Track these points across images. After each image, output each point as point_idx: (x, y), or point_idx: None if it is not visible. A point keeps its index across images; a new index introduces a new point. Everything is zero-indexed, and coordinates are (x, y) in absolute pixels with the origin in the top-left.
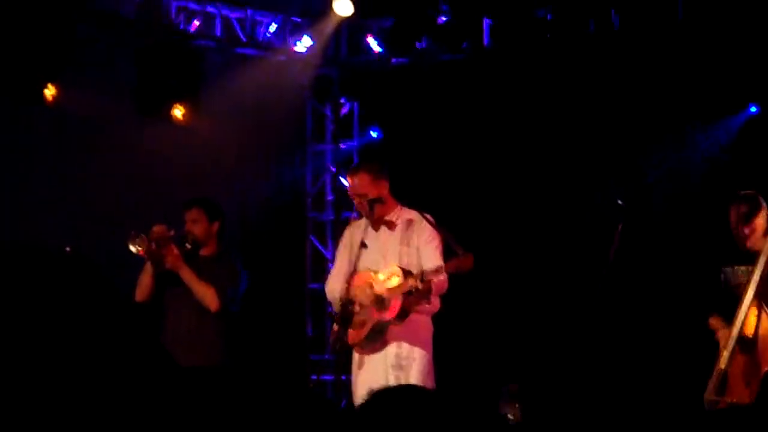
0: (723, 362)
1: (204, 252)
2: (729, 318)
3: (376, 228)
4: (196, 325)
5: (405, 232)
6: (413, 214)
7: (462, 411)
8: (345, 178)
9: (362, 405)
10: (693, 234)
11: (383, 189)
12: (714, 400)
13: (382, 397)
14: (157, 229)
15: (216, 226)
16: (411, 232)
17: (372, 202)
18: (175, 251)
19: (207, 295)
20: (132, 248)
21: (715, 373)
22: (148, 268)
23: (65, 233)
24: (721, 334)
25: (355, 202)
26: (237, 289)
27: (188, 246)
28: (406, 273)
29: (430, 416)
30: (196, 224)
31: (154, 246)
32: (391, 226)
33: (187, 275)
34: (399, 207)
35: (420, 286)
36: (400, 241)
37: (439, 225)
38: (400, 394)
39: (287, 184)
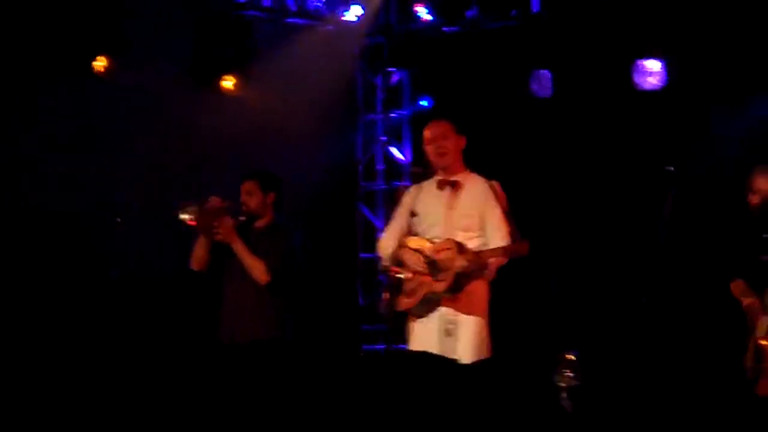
0: (760, 332)
1: (259, 224)
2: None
3: (441, 188)
4: (253, 299)
5: (470, 195)
6: (480, 180)
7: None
8: (396, 148)
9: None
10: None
11: (459, 145)
12: (755, 367)
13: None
14: (212, 200)
15: (271, 197)
16: (476, 197)
17: (450, 152)
18: (228, 223)
19: (257, 269)
20: (182, 217)
21: (751, 342)
22: (202, 239)
23: (117, 205)
24: (748, 303)
25: (428, 150)
26: (290, 262)
27: (242, 218)
28: (460, 247)
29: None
30: (251, 196)
31: (206, 216)
32: (457, 187)
33: (239, 247)
34: (467, 171)
35: (469, 267)
36: (463, 205)
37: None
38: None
39: (338, 154)
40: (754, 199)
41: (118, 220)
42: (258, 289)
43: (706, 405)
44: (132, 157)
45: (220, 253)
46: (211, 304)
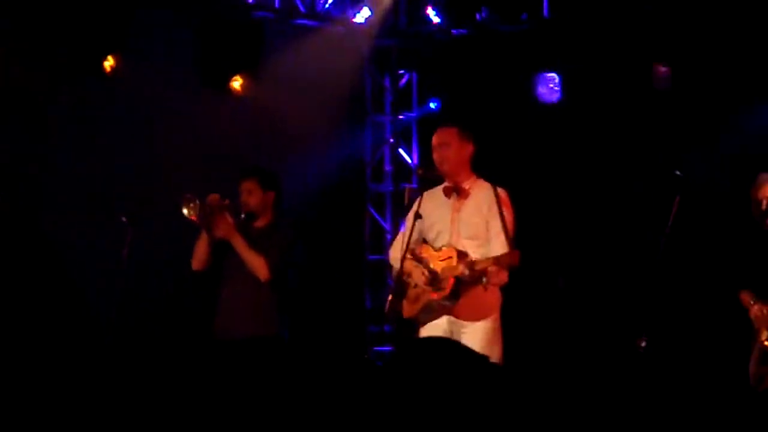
0: (764, 338)
1: (259, 223)
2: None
3: (447, 195)
4: (251, 296)
5: (476, 202)
6: (487, 187)
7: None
8: (404, 150)
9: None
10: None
11: (467, 151)
12: (759, 373)
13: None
14: (211, 197)
15: (271, 196)
16: (482, 204)
17: (450, 160)
18: (229, 220)
19: (257, 265)
20: (185, 211)
21: (756, 348)
22: (204, 236)
23: (124, 203)
24: (755, 310)
25: (435, 156)
26: (289, 260)
27: (242, 216)
28: (461, 255)
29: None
30: (251, 195)
31: (207, 212)
32: (463, 194)
33: (239, 244)
34: (474, 177)
35: (467, 273)
36: (469, 212)
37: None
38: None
39: (346, 156)
40: (761, 207)
41: (124, 219)
42: (257, 286)
43: (711, 408)
44: (138, 155)
45: (221, 252)
46: (209, 303)
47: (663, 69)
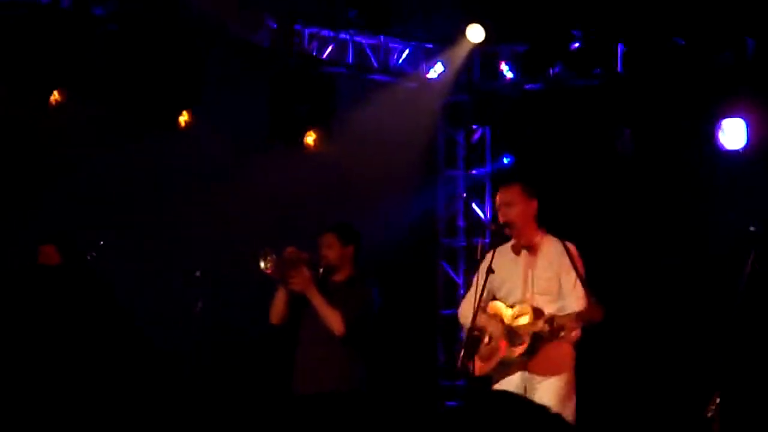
0: None
1: (337, 277)
2: None
3: (516, 252)
4: (326, 351)
5: (547, 258)
6: (556, 242)
7: None
8: (477, 204)
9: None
10: None
11: (531, 208)
12: None
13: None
14: (289, 250)
15: (350, 250)
16: (552, 260)
17: (516, 220)
18: (306, 273)
19: (333, 320)
20: (261, 265)
21: None
22: (281, 291)
23: (200, 256)
24: None
25: (499, 213)
26: (367, 315)
27: (321, 270)
28: (537, 312)
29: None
30: (330, 249)
31: (284, 266)
32: (532, 251)
33: (316, 298)
34: (542, 233)
35: (547, 330)
36: (540, 268)
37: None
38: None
39: (420, 210)
40: None
41: (198, 274)
42: (333, 341)
43: None
44: (212, 213)
45: (298, 306)
46: (288, 357)
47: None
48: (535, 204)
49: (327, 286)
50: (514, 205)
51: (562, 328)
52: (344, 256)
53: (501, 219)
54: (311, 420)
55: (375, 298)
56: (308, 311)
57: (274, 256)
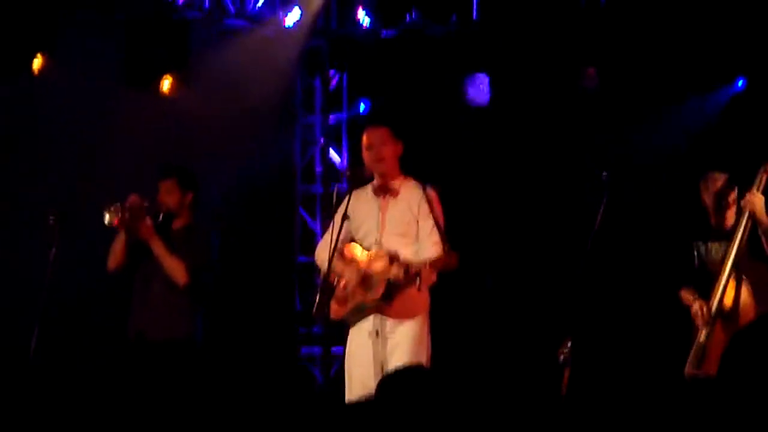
0: (702, 336)
1: (176, 224)
2: (703, 293)
3: (377, 194)
4: (165, 297)
5: (406, 201)
6: (416, 185)
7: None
8: (334, 150)
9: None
10: (672, 209)
11: (396, 151)
12: (694, 374)
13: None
14: (132, 199)
15: (189, 197)
16: (412, 202)
17: (387, 158)
18: (148, 222)
19: (176, 269)
20: (106, 218)
21: (694, 347)
22: (121, 236)
23: (47, 203)
24: (696, 307)
25: (366, 156)
26: (206, 263)
27: (161, 217)
28: (392, 258)
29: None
30: (170, 195)
31: (127, 216)
32: (393, 193)
33: (158, 247)
34: (403, 177)
35: (402, 277)
36: (398, 210)
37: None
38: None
39: (276, 157)
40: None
41: (51, 219)
42: (173, 289)
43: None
44: (62, 156)
45: (136, 252)
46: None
47: (591, 70)
48: (401, 146)
49: (167, 233)
50: (384, 145)
51: (417, 274)
52: (183, 202)
53: (368, 158)
54: (145, 367)
55: (214, 245)
56: (147, 258)
57: (117, 206)
